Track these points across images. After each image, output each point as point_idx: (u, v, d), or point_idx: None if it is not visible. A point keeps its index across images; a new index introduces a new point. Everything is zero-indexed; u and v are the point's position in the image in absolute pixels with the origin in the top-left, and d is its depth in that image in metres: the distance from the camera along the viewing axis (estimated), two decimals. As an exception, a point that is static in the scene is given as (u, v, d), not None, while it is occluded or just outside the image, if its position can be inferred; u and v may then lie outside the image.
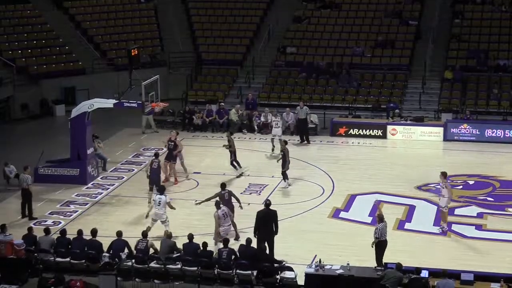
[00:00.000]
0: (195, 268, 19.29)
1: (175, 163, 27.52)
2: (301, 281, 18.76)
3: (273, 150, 31.00)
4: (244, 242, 19.88)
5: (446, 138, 33.16)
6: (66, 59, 40.43)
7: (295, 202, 25.57)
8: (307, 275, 18.66)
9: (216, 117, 34.86)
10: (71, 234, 20.90)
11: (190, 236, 20.13)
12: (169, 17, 44.86)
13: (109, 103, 27.49)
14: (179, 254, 19.78)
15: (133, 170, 29.25)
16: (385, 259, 19.51)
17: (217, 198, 22.13)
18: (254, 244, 19.99)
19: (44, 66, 39.43)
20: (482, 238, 22.65)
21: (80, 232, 20.56)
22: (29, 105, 38.07)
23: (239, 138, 33.68)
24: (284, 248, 20.95)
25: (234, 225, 22.13)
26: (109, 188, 27.30)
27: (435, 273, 18.37)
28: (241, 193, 25.71)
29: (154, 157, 26.04)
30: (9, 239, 20.30)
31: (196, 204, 23.38)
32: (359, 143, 33.17)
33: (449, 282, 17.57)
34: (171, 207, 22.47)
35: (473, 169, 29.15)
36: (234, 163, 28.23)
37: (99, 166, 28.78)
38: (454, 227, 23.26)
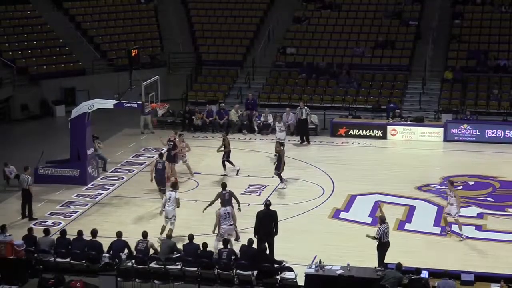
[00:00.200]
0: (195, 269, 19.29)
1: (175, 164, 27.50)
2: (301, 281, 18.76)
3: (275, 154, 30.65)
4: (245, 242, 19.89)
5: (446, 139, 33.16)
6: (66, 59, 40.45)
7: (295, 203, 25.56)
8: (307, 276, 18.66)
9: (216, 117, 34.87)
10: (71, 234, 20.90)
11: (190, 237, 20.15)
12: (169, 17, 44.88)
13: (109, 103, 27.49)
14: (179, 254, 19.79)
15: (133, 170, 29.24)
16: (385, 260, 19.50)
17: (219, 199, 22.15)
18: (255, 244, 19.99)
19: (44, 67, 39.44)
20: (482, 239, 22.63)
21: (80, 233, 20.57)
22: (29, 105, 38.09)
23: (239, 138, 33.75)
24: (284, 248, 20.93)
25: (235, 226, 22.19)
26: (109, 188, 27.29)
27: (435, 274, 18.38)
28: (241, 194, 25.71)
29: (158, 158, 26.01)
30: (9, 239, 20.30)
31: (204, 211, 23.10)
32: (359, 143, 33.16)
33: (449, 283, 17.57)
34: (177, 204, 22.36)
35: (473, 170, 29.14)
36: (227, 162, 28.23)
37: (99, 167, 28.77)
38: (454, 227, 23.22)
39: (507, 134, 32.86)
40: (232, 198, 22.25)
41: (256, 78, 39.71)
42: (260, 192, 26.54)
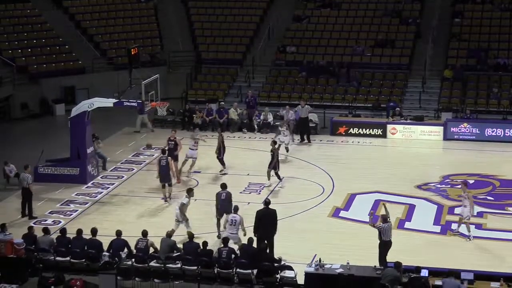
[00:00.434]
0: (195, 267, 19.29)
1: (177, 162, 27.52)
2: (301, 280, 18.76)
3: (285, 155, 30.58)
4: (245, 241, 19.90)
5: (446, 137, 33.15)
6: (66, 58, 40.44)
7: (295, 201, 25.56)
8: (307, 274, 18.66)
9: (216, 116, 34.86)
10: (71, 233, 20.89)
11: (191, 235, 20.16)
12: (169, 16, 44.87)
13: (109, 102, 27.48)
14: (179, 253, 19.79)
15: (133, 169, 29.24)
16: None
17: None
18: (254, 244, 20.00)
19: (44, 65, 39.43)
20: (482, 237, 22.62)
21: (80, 232, 20.55)
22: (29, 104, 38.08)
23: (239, 137, 33.74)
24: (284, 247, 20.94)
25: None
26: (109, 187, 27.29)
27: (435, 273, 18.38)
28: (241, 192, 25.74)
29: (161, 154, 26.03)
30: (9, 238, 20.30)
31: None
32: (359, 142, 33.16)
33: (453, 282, 17.57)
34: (182, 212, 22.12)
35: (473, 168, 29.13)
36: (218, 160, 28.34)
37: (99, 165, 28.77)
38: (454, 226, 23.24)
39: (507, 133, 32.85)
40: (230, 202, 22.18)
41: (256, 76, 39.70)
42: (260, 191, 26.53)
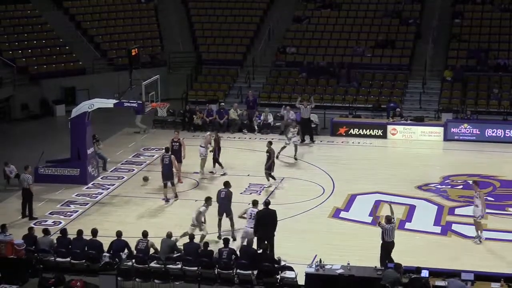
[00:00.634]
0: (196, 268, 19.29)
1: (181, 163, 27.51)
2: (301, 280, 18.76)
3: (295, 157, 30.59)
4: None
5: (446, 138, 33.14)
6: (66, 59, 40.44)
7: (295, 202, 25.55)
8: (308, 275, 18.65)
9: (217, 117, 34.85)
10: (72, 234, 20.88)
11: (191, 236, 20.16)
12: (169, 16, 44.87)
13: (109, 103, 27.49)
14: (179, 254, 19.79)
15: (133, 170, 29.24)
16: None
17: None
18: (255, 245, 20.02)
19: (44, 66, 39.44)
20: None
21: (80, 232, 20.55)
22: (29, 105, 38.07)
23: (239, 138, 33.74)
24: (285, 247, 20.94)
25: (232, 225, 22.22)
26: (109, 188, 27.29)
27: (435, 273, 18.37)
28: (241, 193, 25.72)
29: (164, 152, 26.01)
30: (10, 239, 20.31)
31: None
32: (359, 143, 33.15)
33: (458, 282, 17.57)
34: (198, 220, 21.80)
35: (473, 169, 29.12)
36: (213, 160, 28.32)
37: (99, 166, 28.77)
38: (454, 227, 23.26)
39: (507, 134, 32.84)
40: (230, 201, 22.17)
41: (256, 77, 39.70)
42: (260, 192, 26.52)
